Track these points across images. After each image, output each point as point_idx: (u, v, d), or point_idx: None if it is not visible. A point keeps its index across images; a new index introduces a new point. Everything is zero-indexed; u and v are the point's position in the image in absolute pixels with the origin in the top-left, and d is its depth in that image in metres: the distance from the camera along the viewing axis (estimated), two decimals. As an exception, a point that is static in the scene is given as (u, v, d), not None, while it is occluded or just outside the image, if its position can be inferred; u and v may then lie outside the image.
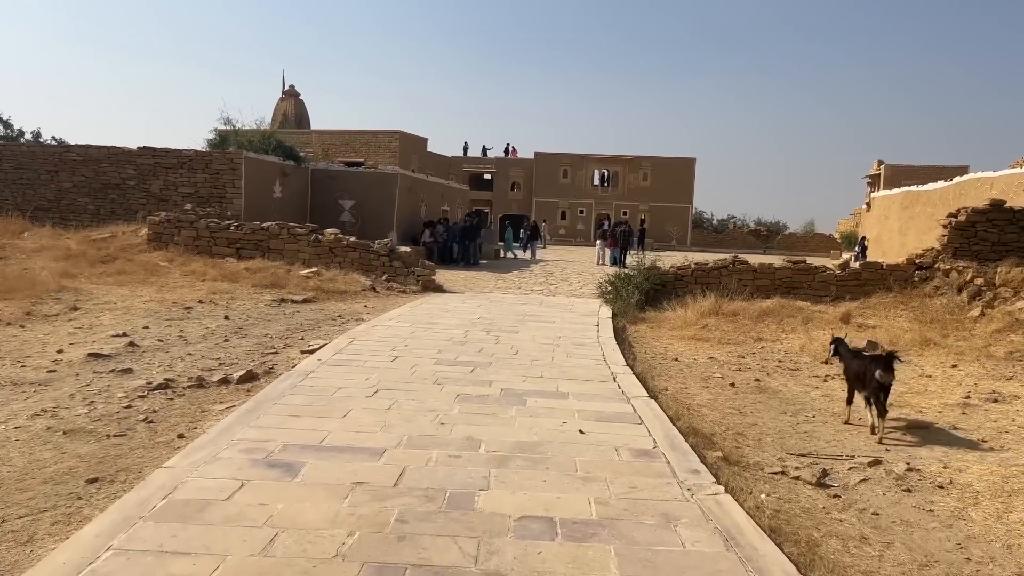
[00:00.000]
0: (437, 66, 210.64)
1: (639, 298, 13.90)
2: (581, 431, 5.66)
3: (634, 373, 8.38)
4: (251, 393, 7.38)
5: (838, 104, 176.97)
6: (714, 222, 64.53)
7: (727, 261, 15.02)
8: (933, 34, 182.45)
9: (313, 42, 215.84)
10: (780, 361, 10.78)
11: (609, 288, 15.16)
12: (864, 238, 32.42)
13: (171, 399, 7.13)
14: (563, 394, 6.93)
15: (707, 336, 12.39)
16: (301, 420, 5.72)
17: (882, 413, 6.67)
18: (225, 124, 23.17)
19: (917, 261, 14.38)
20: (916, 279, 14.24)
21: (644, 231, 30.51)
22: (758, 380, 9.45)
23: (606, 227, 52.15)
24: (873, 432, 6.81)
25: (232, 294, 13.20)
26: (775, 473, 5.93)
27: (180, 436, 5.97)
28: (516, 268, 24.51)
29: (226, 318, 11.12)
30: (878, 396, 6.64)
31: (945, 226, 14.53)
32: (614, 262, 28.56)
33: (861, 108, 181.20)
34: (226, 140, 22.81)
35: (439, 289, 16.08)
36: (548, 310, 13.57)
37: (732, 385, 9.04)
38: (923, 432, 6.99)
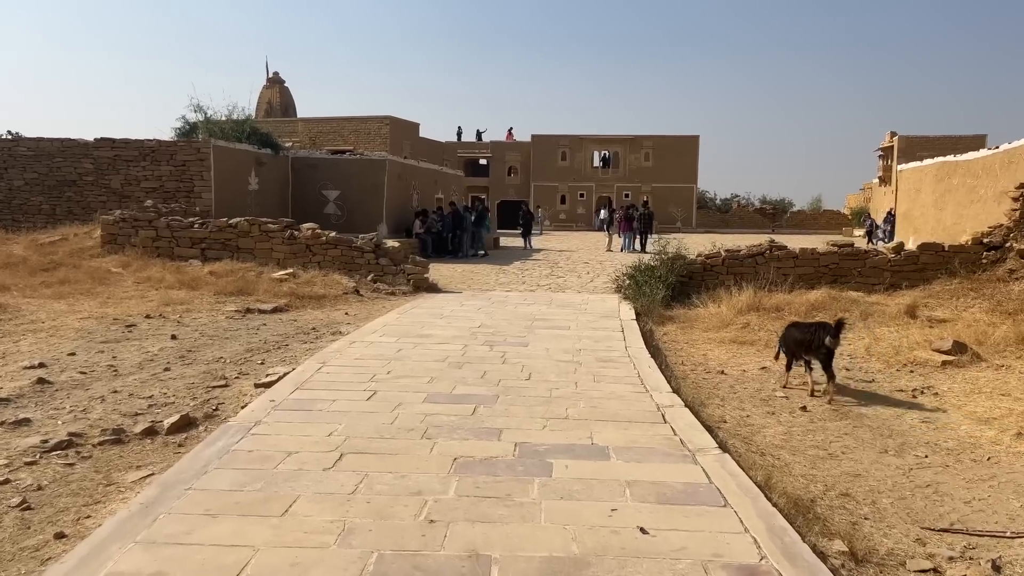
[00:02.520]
0: (429, 50, 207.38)
1: (665, 294, 11.96)
2: (642, 529, 3.73)
3: (685, 403, 6.45)
4: (183, 449, 5.50)
5: (840, 75, 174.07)
6: (717, 202, 62.43)
7: (763, 247, 13.07)
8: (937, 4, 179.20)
9: (298, 28, 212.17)
10: (847, 369, 8.86)
11: (628, 282, 13.22)
12: (891, 212, 30.32)
13: (71, 464, 5.25)
14: (601, 450, 4.98)
15: (750, 338, 10.48)
16: (218, 524, 3.78)
17: (832, 377, 7.27)
18: (195, 111, 21.11)
19: (985, 240, 12.43)
20: (984, 261, 12.30)
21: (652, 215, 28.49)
22: (831, 401, 7.54)
23: (603, 211, 50.21)
24: (813, 394, 7.43)
25: (189, 305, 11.23)
26: (924, 572, 4.03)
27: (59, 536, 4.11)
28: (518, 259, 22.55)
29: (173, 337, 9.17)
30: (827, 361, 7.20)
31: (1016, 199, 12.58)
32: (630, 248, 26.62)
33: (864, 79, 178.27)
34: (196, 128, 20.76)
35: (433, 288, 14.13)
36: (560, 311, 11.62)
37: (804, 409, 7.15)
38: (867, 395, 7.51)
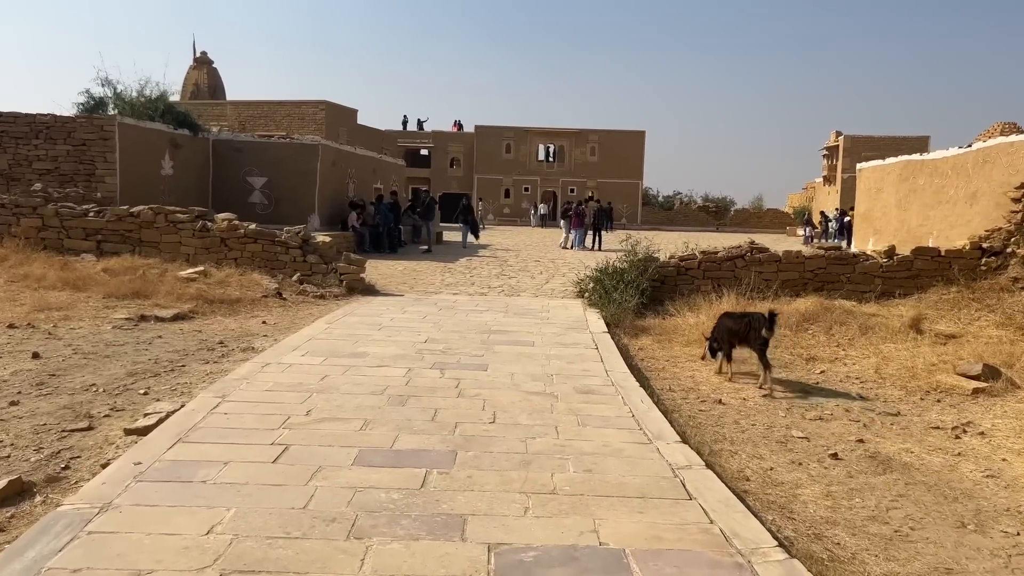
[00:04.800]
0: (370, 36, 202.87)
1: (638, 301, 10.46)
2: None
3: (704, 460, 4.90)
4: (3, 536, 3.74)
5: (780, 75, 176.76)
6: (660, 198, 61.75)
7: (743, 248, 11.70)
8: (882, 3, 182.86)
9: (229, 5, 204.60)
10: (864, 398, 7.50)
11: (592, 286, 11.69)
12: (844, 212, 29.65)
13: None
14: (616, 558, 3.36)
15: (740, 355, 9.06)
16: None
17: (767, 366, 7.32)
18: (102, 85, 18.72)
19: (984, 245, 11.30)
20: (983, 268, 11.17)
21: (611, 209, 27.02)
22: (862, 441, 6.15)
23: (543, 206, 48.73)
24: (722, 376, 7.76)
25: (69, 311, 9.22)
26: None
27: None
28: (464, 256, 20.83)
29: (35, 356, 7.22)
30: (762, 351, 7.29)
31: (1017, 200, 11.48)
32: (580, 245, 25.18)
33: (804, 79, 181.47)
34: (103, 104, 18.40)
35: (370, 290, 12.33)
36: (519, 321, 10.00)
37: (834, 457, 5.72)
38: (801, 386, 7.51)
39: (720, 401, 7.17)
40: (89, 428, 5.44)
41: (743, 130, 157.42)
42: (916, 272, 11.36)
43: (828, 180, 49.84)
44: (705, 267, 11.63)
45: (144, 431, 5.16)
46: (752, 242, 11.83)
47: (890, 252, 11.50)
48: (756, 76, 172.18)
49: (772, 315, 7.27)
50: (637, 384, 6.73)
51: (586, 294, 11.86)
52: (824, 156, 50.45)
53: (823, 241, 33.96)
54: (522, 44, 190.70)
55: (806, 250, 11.98)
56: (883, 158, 25.84)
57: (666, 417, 5.97)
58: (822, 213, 39.12)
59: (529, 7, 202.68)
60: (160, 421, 5.30)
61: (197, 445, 4.70)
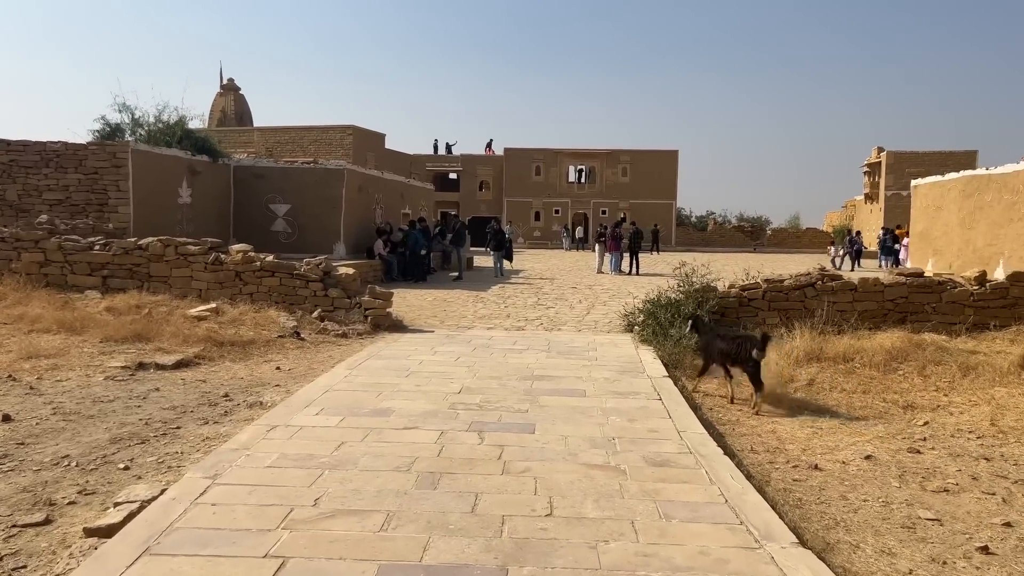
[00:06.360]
0: (399, 61, 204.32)
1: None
2: None
3: (834, 572, 3.68)
4: None
5: (816, 91, 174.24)
6: (693, 219, 60.36)
7: (812, 276, 10.41)
8: (926, 11, 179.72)
9: (256, 32, 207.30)
10: (987, 459, 6.25)
11: (643, 319, 10.49)
12: (890, 231, 28.07)
13: None
14: None
15: (826, 402, 7.84)
16: None
17: (759, 387, 7.37)
18: (119, 111, 18.00)
19: (1092, 269, 9.94)
20: (1091, 295, 9.78)
21: (646, 233, 25.61)
22: (1009, 524, 4.91)
23: (578, 228, 47.62)
24: (732, 402, 7.70)
25: (59, 358, 8.21)
26: None
27: None
28: (496, 284, 19.70)
29: (5, 419, 6.19)
30: (754, 372, 7.31)
31: None
32: (617, 270, 23.96)
33: (842, 94, 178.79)
34: (119, 130, 17.66)
35: (397, 326, 11.23)
36: (565, 363, 8.81)
37: (985, 551, 4.47)
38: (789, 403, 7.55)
39: (816, 466, 5.94)
40: (46, 522, 4.38)
41: (778, 147, 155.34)
42: (1013, 300, 10.00)
43: (870, 198, 48.14)
44: (770, 297, 10.37)
45: (108, 531, 4.06)
46: (822, 268, 10.57)
47: (981, 278, 10.16)
48: (791, 91, 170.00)
49: (765, 337, 7.36)
50: (720, 451, 5.50)
51: (635, 328, 10.67)
52: (865, 173, 48.78)
53: (835, 265, 32.07)
54: (551, 66, 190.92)
55: (884, 277, 10.67)
56: (929, 174, 24.36)
57: (761, 494, 4.76)
58: (856, 232, 36.57)
59: (558, 30, 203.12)
60: (131, 516, 4.21)
61: (167, 559, 3.58)
